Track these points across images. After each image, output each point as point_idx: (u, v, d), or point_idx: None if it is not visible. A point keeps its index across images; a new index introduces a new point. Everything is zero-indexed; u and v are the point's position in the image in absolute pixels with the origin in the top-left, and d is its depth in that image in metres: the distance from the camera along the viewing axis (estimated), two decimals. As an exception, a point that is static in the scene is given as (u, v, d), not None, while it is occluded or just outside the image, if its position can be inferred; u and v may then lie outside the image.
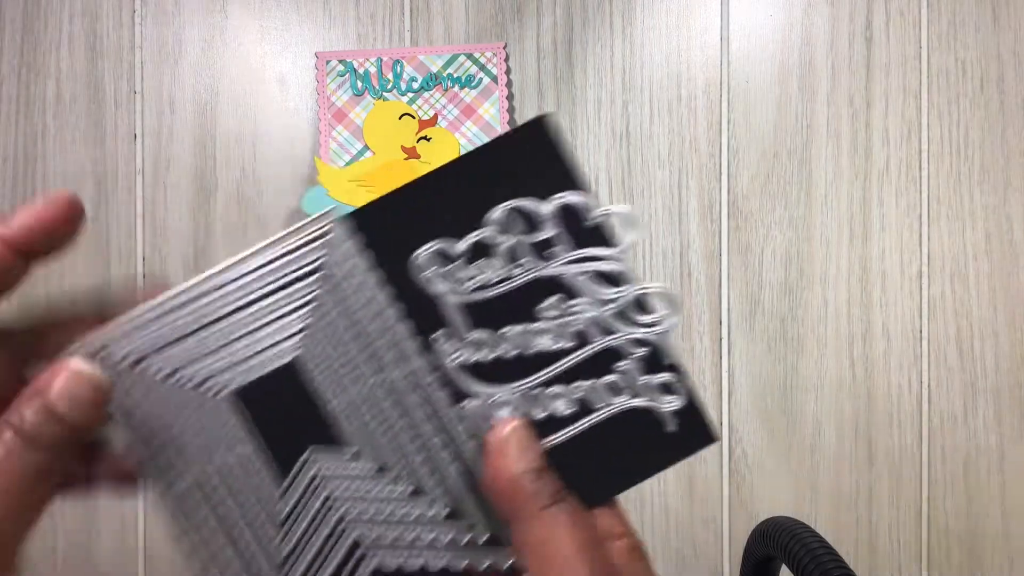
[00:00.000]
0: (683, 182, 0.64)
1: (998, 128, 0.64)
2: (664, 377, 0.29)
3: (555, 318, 0.29)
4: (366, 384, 0.28)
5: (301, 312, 0.28)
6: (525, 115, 0.64)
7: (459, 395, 0.28)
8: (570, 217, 0.28)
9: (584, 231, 0.28)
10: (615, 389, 0.29)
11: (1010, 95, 0.64)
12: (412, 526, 0.28)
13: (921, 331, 0.64)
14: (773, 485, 0.63)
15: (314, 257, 0.28)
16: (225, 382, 0.28)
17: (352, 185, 0.60)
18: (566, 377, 0.29)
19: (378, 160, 0.61)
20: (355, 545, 0.28)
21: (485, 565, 0.28)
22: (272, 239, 0.27)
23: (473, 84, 0.62)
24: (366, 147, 0.61)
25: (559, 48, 0.64)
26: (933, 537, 0.63)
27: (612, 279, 0.29)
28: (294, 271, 0.28)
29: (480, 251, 0.28)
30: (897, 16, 0.64)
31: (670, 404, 0.29)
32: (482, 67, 0.62)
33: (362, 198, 0.60)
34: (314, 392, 0.28)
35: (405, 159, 0.61)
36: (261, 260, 0.28)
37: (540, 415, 0.29)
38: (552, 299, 0.29)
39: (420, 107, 0.62)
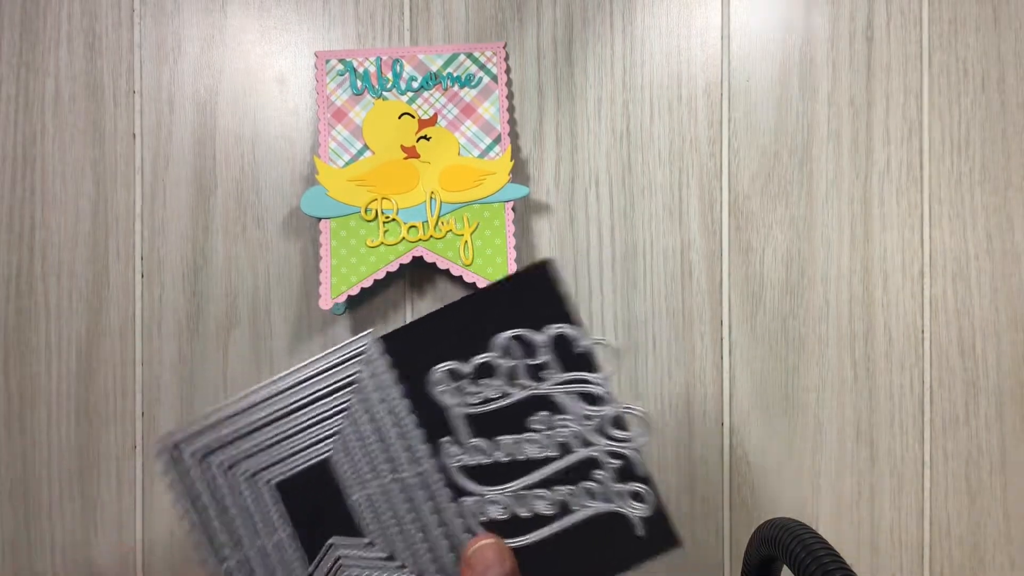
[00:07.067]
0: (683, 181, 0.64)
1: (999, 128, 0.64)
2: (635, 487, 0.33)
3: (543, 430, 0.33)
4: (384, 481, 0.32)
5: (336, 418, 0.32)
6: (525, 114, 0.63)
7: (459, 492, 0.32)
8: (562, 345, 0.33)
9: (573, 357, 0.33)
10: (592, 494, 0.33)
11: (1011, 95, 0.64)
12: None
13: (923, 331, 0.64)
14: (774, 485, 0.63)
15: (351, 372, 0.33)
16: (271, 475, 0.32)
17: (352, 185, 0.60)
18: (549, 481, 0.33)
19: (378, 159, 0.61)
20: None
21: None
22: (319, 356, 0.33)
23: (473, 83, 0.62)
24: (365, 146, 0.61)
25: (559, 47, 0.64)
26: (935, 538, 0.63)
27: (594, 399, 0.33)
28: (334, 383, 0.32)
29: (485, 371, 0.33)
30: (898, 15, 0.64)
31: (639, 511, 0.33)
32: (482, 66, 0.62)
33: (362, 197, 0.60)
34: (340, 487, 0.32)
35: (405, 159, 0.61)
36: (308, 373, 0.32)
37: (525, 514, 0.32)
38: (542, 414, 0.33)
39: (420, 106, 0.61)
